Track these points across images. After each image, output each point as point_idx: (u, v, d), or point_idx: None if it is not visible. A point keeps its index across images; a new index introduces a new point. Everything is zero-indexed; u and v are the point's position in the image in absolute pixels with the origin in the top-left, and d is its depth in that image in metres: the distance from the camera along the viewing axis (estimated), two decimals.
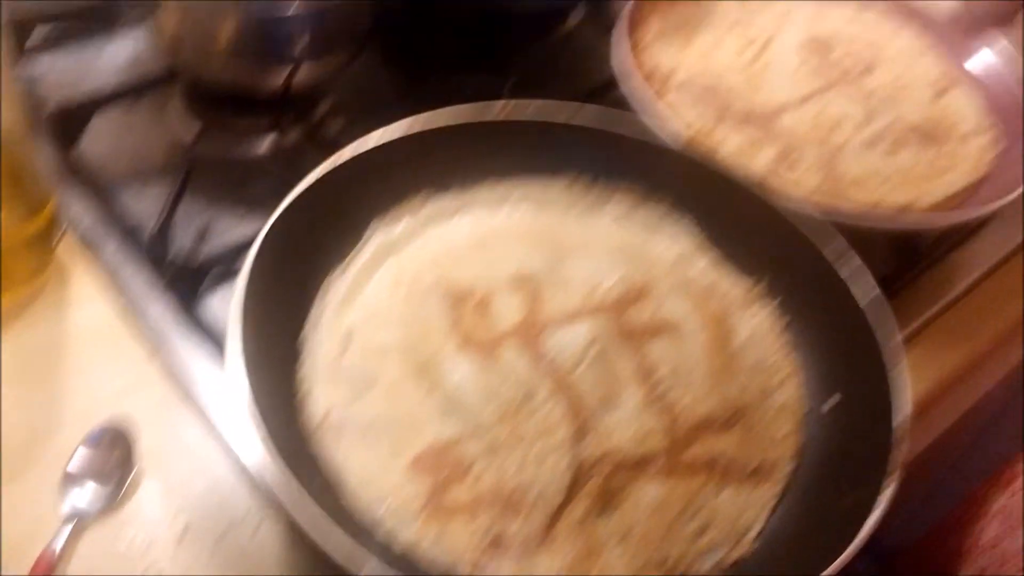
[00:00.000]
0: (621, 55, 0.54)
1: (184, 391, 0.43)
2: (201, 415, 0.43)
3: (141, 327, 0.45)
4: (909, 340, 0.49)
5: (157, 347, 0.45)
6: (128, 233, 0.49)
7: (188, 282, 0.47)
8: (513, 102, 0.50)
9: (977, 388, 0.54)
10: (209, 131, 0.55)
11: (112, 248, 0.48)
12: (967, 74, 0.60)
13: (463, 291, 0.45)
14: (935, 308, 0.51)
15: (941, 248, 0.54)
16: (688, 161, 0.49)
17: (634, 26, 0.58)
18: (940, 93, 0.59)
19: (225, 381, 0.37)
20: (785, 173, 0.51)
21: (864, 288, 0.43)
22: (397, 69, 0.65)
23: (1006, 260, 0.55)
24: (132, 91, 0.57)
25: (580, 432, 0.41)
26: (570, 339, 0.44)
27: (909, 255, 0.53)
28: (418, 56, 0.66)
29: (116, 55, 0.59)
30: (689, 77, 0.56)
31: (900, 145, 0.54)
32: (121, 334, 0.46)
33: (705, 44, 0.59)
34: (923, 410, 0.48)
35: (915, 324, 0.50)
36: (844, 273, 0.43)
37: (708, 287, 0.48)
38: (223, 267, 0.48)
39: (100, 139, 0.55)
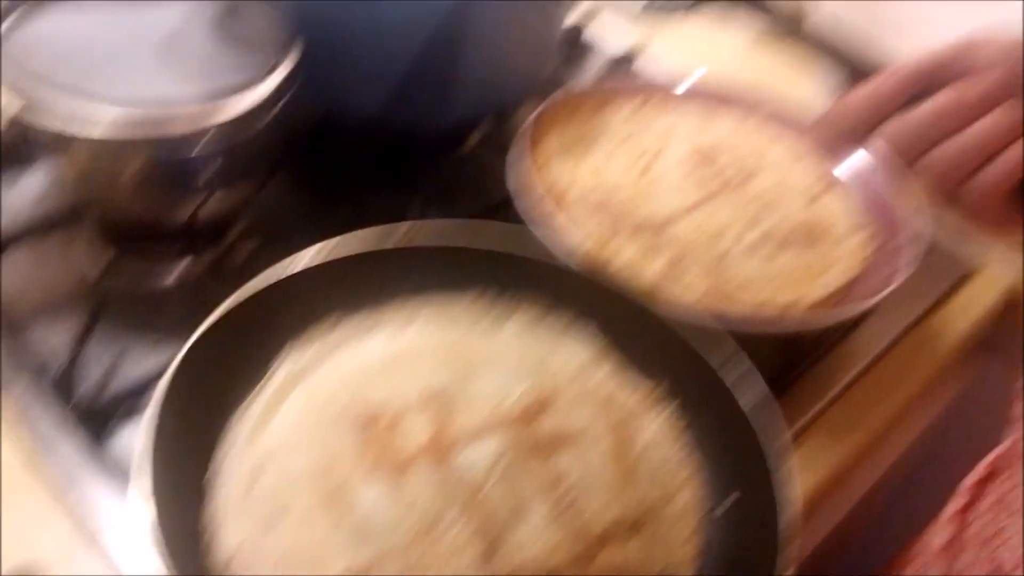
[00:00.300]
0: (518, 174, 0.57)
1: (92, 532, 0.43)
2: (108, 557, 0.42)
3: (50, 466, 0.45)
4: (800, 434, 0.52)
5: (67, 487, 0.45)
6: (38, 371, 0.50)
7: (98, 418, 0.48)
8: (419, 223, 0.53)
9: (868, 477, 0.57)
10: (119, 263, 0.56)
11: (21, 387, 0.48)
12: (842, 176, 0.65)
13: (373, 412, 0.47)
14: (823, 402, 0.54)
15: (825, 344, 0.58)
16: (585, 275, 0.52)
17: (533, 143, 0.62)
18: (817, 195, 0.63)
19: (131, 520, 0.37)
20: (675, 281, 0.54)
21: (752, 390, 0.46)
22: (307, 191, 0.67)
23: (886, 351, 0.59)
24: (41, 227, 0.58)
25: (490, 550, 0.42)
26: (478, 455, 0.45)
27: (795, 353, 0.56)
28: (327, 178, 0.68)
29: (25, 192, 0.60)
30: (584, 192, 0.60)
31: (782, 248, 0.58)
32: (29, 475, 0.45)
33: (599, 159, 0.63)
34: (817, 503, 0.50)
35: (804, 419, 0.53)
36: (730, 379, 0.46)
37: (610, 393, 0.50)
38: (133, 402, 0.49)
39: (10, 276, 0.55)
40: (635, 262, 0.55)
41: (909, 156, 0.46)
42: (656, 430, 0.49)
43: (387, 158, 0.68)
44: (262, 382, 0.47)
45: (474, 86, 0.63)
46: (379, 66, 0.60)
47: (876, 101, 0.47)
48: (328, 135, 0.66)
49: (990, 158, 0.43)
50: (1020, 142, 0.43)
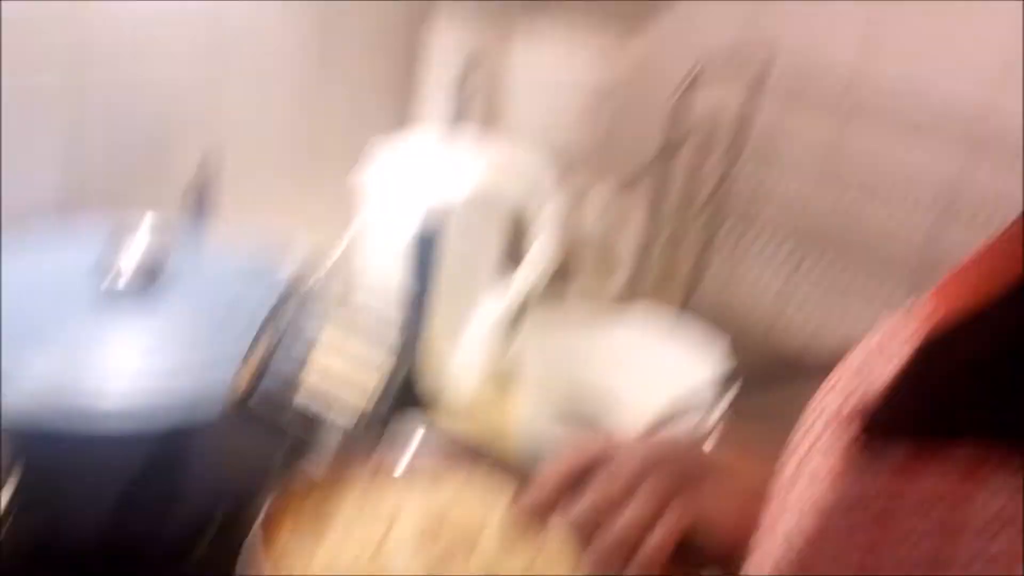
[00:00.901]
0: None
1: None
2: None
3: None
4: None
5: None
6: None
7: None
8: None
9: None
10: None
11: None
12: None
13: None
14: None
15: None
16: None
17: (266, 538, 0.64)
18: (536, 556, 0.68)
19: None
20: None
21: None
22: None
23: None
24: None
25: None
26: None
27: None
28: None
29: None
30: None
31: None
32: None
33: (332, 544, 0.66)
34: None
35: None
36: None
37: None
38: None
39: None
40: None
41: (581, 539, 0.55)
42: None
43: (115, 572, 0.66)
44: None
45: (198, 497, 0.65)
46: (98, 488, 0.61)
47: (546, 494, 0.56)
48: (51, 555, 0.64)
49: (644, 534, 0.53)
50: (662, 519, 0.53)
